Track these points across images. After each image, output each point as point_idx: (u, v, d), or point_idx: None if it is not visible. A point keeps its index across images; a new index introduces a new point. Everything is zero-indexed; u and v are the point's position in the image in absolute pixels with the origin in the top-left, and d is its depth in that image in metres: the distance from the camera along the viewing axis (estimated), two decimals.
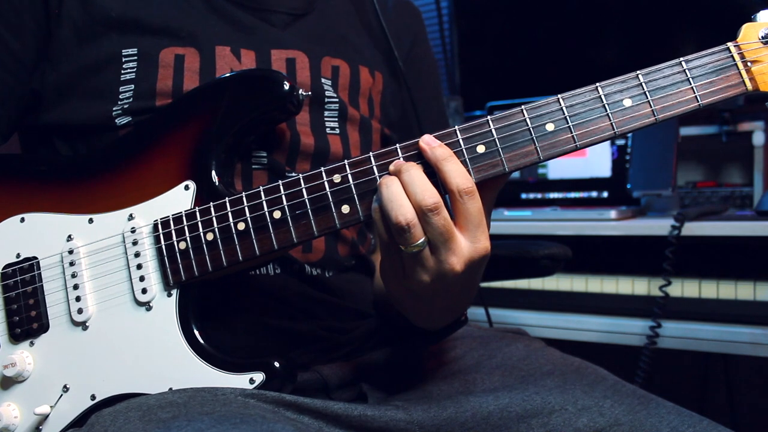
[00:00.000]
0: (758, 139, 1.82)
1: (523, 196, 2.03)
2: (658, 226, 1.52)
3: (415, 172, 0.76)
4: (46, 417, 0.86)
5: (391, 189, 0.76)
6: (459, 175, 0.76)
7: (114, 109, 0.91)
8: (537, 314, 1.67)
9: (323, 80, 1.01)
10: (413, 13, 1.21)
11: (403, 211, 0.74)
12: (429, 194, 0.74)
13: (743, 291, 1.44)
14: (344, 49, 1.06)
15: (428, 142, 0.78)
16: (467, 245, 0.77)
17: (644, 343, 1.49)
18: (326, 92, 1.01)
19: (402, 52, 1.14)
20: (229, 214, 0.84)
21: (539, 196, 2.02)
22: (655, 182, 1.76)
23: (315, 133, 0.99)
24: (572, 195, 1.96)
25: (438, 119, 1.21)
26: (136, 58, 0.92)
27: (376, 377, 0.98)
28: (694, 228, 1.48)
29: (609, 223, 1.63)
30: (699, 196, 1.93)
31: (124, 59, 0.92)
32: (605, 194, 1.90)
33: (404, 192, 0.76)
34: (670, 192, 1.74)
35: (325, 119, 1.01)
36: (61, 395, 0.87)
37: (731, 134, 1.89)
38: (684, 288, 1.50)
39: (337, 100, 1.02)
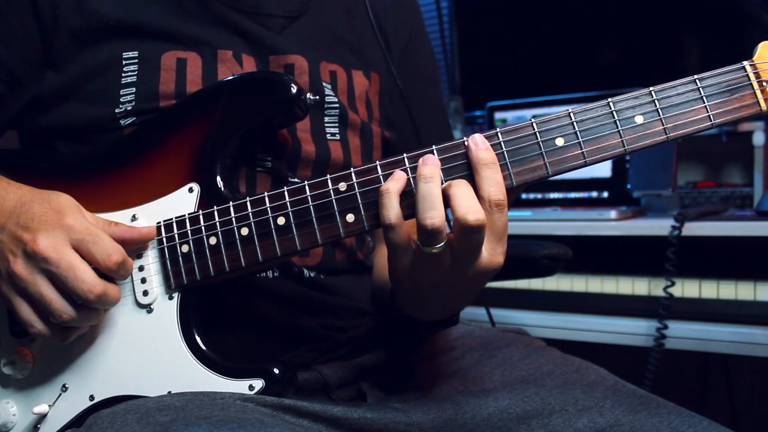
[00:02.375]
0: (758, 139, 1.82)
1: (523, 196, 2.03)
2: (659, 226, 1.52)
3: (464, 187, 0.75)
4: (44, 416, 0.86)
5: (430, 186, 0.75)
6: (495, 185, 0.75)
7: (117, 111, 0.91)
8: (537, 314, 1.67)
9: (324, 84, 1.01)
10: (411, 7, 1.20)
11: (433, 214, 0.73)
12: (473, 211, 0.73)
13: (743, 291, 1.44)
14: (339, 52, 1.05)
15: (477, 142, 0.77)
16: (485, 257, 0.76)
17: (652, 345, 1.49)
18: (327, 96, 1.01)
19: (399, 47, 1.13)
20: (233, 218, 0.83)
21: (539, 196, 2.02)
22: (655, 182, 1.76)
23: (316, 139, 0.98)
24: (572, 195, 1.96)
25: (436, 115, 1.20)
26: (136, 61, 0.92)
27: (376, 377, 0.98)
28: (694, 228, 1.47)
29: (609, 223, 1.63)
30: (699, 196, 1.93)
31: (124, 62, 0.92)
32: (605, 194, 1.90)
33: (441, 196, 0.74)
34: (670, 192, 1.74)
35: (326, 124, 1.00)
36: (60, 394, 0.87)
37: (731, 134, 1.89)
38: (684, 288, 1.50)
39: (337, 104, 1.01)
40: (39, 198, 0.82)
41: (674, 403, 0.92)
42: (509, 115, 2.10)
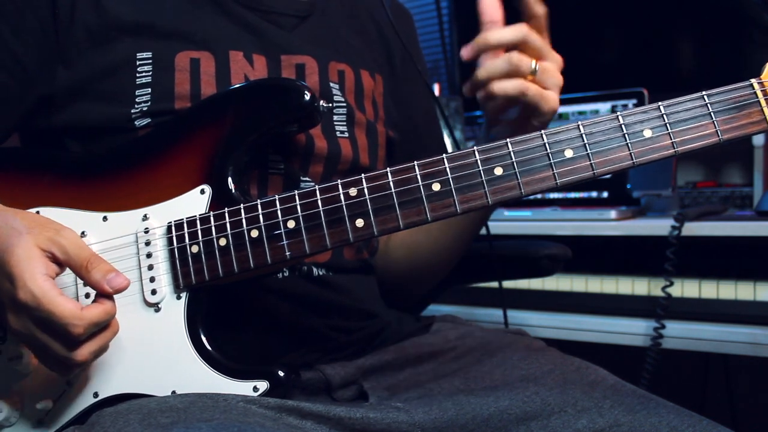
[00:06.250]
0: (758, 139, 1.81)
1: None
2: (658, 226, 1.52)
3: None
4: (47, 412, 0.86)
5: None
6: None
7: (132, 111, 0.92)
8: (537, 314, 1.67)
9: (331, 84, 1.02)
10: (406, 17, 1.23)
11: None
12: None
13: (742, 291, 1.44)
14: (347, 52, 1.06)
15: None
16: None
17: (649, 344, 1.49)
18: (335, 96, 1.02)
19: (398, 54, 1.16)
20: (243, 220, 0.84)
21: (539, 196, 2.02)
22: (655, 182, 1.76)
23: (327, 136, 1.00)
24: (572, 195, 1.96)
25: (432, 120, 1.24)
26: (150, 61, 0.93)
27: (378, 377, 0.98)
28: (694, 228, 1.48)
29: (609, 223, 1.63)
30: (699, 196, 1.93)
31: (138, 63, 0.93)
32: (605, 194, 1.90)
33: None
34: (670, 192, 1.74)
35: (335, 123, 1.02)
36: (64, 390, 0.87)
37: None
38: (684, 288, 1.50)
39: (345, 104, 1.03)
40: (18, 230, 0.78)
41: (674, 403, 0.92)
42: None
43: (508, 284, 1.70)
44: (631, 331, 1.53)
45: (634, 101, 1.79)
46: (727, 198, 1.90)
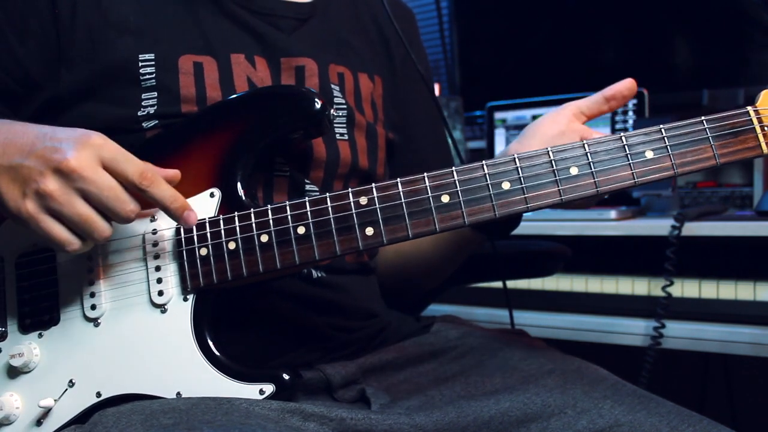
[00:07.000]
0: None
1: None
2: (658, 226, 1.52)
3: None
4: (48, 410, 0.86)
5: None
6: None
7: (139, 113, 0.92)
8: (537, 314, 1.67)
9: (332, 86, 1.03)
10: (408, 17, 1.23)
11: None
12: None
13: (742, 291, 1.44)
14: (346, 54, 1.07)
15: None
16: None
17: (648, 344, 1.49)
18: (335, 98, 1.02)
19: (399, 55, 1.16)
20: (253, 225, 0.85)
21: None
22: (655, 182, 1.76)
23: (326, 140, 1.00)
24: None
25: (434, 121, 1.23)
26: (153, 63, 0.93)
27: (379, 376, 0.98)
28: (694, 228, 1.48)
29: (609, 223, 1.63)
30: (699, 196, 1.93)
31: (141, 64, 0.93)
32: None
33: None
34: (670, 192, 1.74)
35: (335, 125, 1.02)
36: (66, 390, 0.87)
37: None
38: (684, 288, 1.50)
39: (345, 105, 1.03)
40: (62, 127, 0.81)
41: (674, 403, 0.92)
42: (509, 115, 2.10)
43: (508, 284, 1.70)
44: (631, 331, 1.53)
45: (634, 101, 1.79)
46: (727, 198, 1.90)
